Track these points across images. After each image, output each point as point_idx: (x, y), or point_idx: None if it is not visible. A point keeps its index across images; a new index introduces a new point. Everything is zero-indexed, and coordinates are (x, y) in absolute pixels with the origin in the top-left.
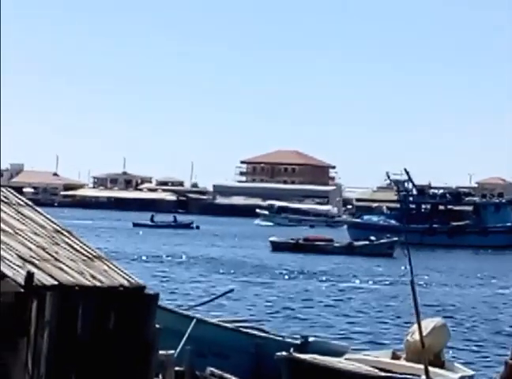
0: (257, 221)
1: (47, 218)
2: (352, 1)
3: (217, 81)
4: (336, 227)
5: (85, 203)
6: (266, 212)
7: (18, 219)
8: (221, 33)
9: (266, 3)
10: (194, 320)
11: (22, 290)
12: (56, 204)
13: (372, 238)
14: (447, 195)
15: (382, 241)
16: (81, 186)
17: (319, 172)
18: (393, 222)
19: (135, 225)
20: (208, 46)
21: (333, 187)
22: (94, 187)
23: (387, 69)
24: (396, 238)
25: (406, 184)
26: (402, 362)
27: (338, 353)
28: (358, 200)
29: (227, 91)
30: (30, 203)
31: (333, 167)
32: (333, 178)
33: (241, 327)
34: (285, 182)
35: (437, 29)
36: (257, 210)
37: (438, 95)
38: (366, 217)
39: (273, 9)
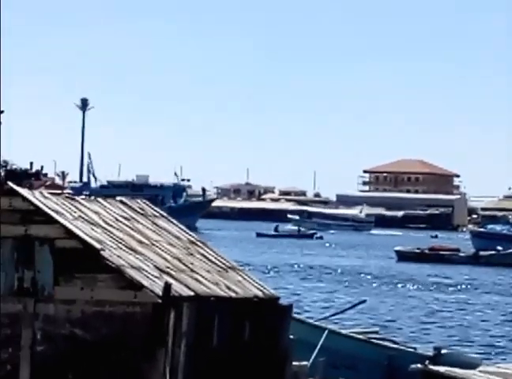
0: (288, 226)
1: (181, 229)
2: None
3: (342, 90)
4: (362, 230)
5: (208, 213)
6: (297, 217)
7: (154, 231)
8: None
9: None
10: (326, 332)
11: (160, 301)
12: None
13: (499, 247)
14: None
15: (509, 250)
16: None
17: (443, 181)
18: None
19: (258, 235)
20: (329, 56)
21: (458, 196)
22: (217, 197)
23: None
24: None
25: None
26: None
27: (471, 365)
28: (483, 209)
29: (350, 101)
30: (165, 214)
31: (458, 176)
32: (457, 187)
33: (373, 338)
34: (408, 191)
35: None
36: (289, 215)
37: None
38: (490, 226)
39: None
